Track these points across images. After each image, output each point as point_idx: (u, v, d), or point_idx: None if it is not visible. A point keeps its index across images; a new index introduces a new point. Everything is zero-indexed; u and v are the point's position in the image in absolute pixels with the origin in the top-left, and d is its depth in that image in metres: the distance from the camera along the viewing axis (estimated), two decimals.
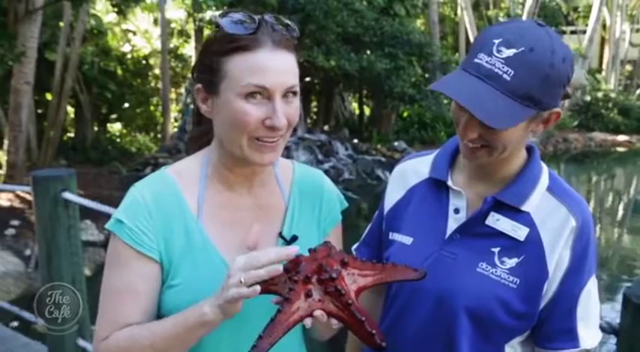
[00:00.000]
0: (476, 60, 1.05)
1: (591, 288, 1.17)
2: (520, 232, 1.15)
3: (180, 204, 1.14)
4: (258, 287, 0.96)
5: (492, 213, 1.17)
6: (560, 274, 1.14)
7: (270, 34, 1.06)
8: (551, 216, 1.16)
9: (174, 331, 1.04)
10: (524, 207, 1.16)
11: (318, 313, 0.98)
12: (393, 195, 1.34)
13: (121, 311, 1.09)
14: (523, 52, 1.02)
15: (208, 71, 1.09)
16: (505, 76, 1.02)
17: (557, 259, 1.14)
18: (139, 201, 1.11)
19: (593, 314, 1.19)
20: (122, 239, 1.10)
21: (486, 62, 1.03)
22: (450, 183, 1.23)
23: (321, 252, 1.02)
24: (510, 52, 1.02)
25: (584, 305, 1.17)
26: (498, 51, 1.03)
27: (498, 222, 1.16)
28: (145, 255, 1.10)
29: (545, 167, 1.23)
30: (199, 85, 1.12)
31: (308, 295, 0.98)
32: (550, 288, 1.15)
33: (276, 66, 1.05)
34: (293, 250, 1.00)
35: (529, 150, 1.23)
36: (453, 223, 1.21)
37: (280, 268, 0.97)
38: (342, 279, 1.00)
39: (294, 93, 1.09)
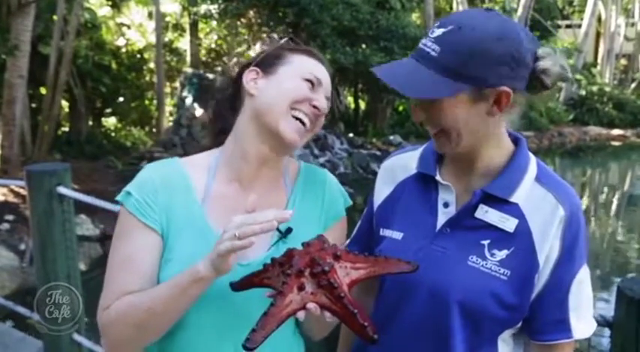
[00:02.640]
0: (420, 44, 1.13)
1: (583, 278, 1.17)
2: (509, 224, 1.15)
3: (187, 188, 1.20)
4: (253, 239, 0.99)
5: (481, 206, 1.17)
6: (550, 264, 1.14)
7: (325, 63, 1.29)
8: (539, 207, 1.15)
9: (170, 292, 1.07)
10: (513, 198, 1.16)
11: (311, 306, 0.99)
12: (381, 191, 1.34)
13: (123, 280, 1.14)
14: (452, 30, 1.08)
15: (273, 58, 1.25)
16: (432, 53, 1.09)
17: (548, 249, 1.14)
18: (147, 179, 1.20)
19: (585, 303, 1.18)
20: (128, 209, 1.17)
21: (422, 43, 1.12)
22: (438, 177, 1.23)
23: (314, 246, 1.03)
24: (440, 32, 1.09)
25: (576, 294, 1.17)
26: (432, 32, 1.11)
27: (487, 213, 1.17)
28: (148, 226, 1.15)
29: (533, 157, 1.22)
30: (255, 68, 1.24)
31: (301, 288, 0.99)
32: (541, 279, 1.15)
33: (327, 80, 1.26)
34: (289, 213, 1.03)
35: (516, 141, 1.23)
36: (442, 217, 1.21)
37: (275, 223, 1.00)
38: (334, 272, 1.01)
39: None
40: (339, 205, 1.33)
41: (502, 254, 1.15)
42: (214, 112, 1.34)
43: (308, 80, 1.21)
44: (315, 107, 1.21)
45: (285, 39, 1.30)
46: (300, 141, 1.21)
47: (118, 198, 1.20)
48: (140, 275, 1.14)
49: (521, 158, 1.20)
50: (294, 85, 1.21)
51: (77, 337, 2.98)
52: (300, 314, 0.99)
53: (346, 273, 1.03)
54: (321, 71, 1.25)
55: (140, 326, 1.10)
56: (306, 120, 1.20)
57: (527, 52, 1.10)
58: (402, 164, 1.33)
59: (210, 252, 1.04)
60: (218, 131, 1.30)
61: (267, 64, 1.24)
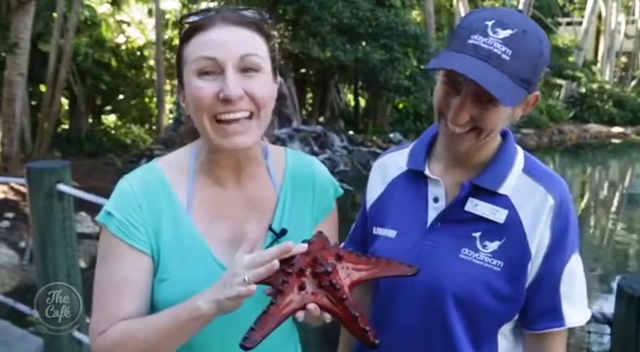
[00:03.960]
0: (471, 41, 1.05)
1: (574, 266, 1.18)
2: (499, 215, 1.16)
3: (170, 197, 1.14)
4: (254, 287, 0.95)
5: (470, 199, 1.18)
6: (542, 253, 1.15)
7: (224, 14, 1.08)
8: (528, 197, 1.16)
9: (167, 326, 1.03)
10: (502, 190, 1.17)
11: (311, 306, 0.97)
12: (374, 190, 1.34)
13: (116, 304, 1.09)
14: (518, 33, 1.04)
15: (178, 63, 1.12)
16: (504, 55, 1.03)
17: (539, 238, 1.15)
18: (128, 193, 1.12)
19: (577, 292, 1.19)
20: (112, 231, 1.10)
21: (484, 43, 1.04)
22: (427, 172, 1.23)
23: (315, 245, 1.02)
24: (507, 33, 1.04)
25: (568, 283, 1.17)
26: (494, 31, 1.04)
27: (477, 207, 1.17)
28: (136, 248, 1.09)
29: (520, 149, 1.24)
30: (178, 83, 1.14)
31: (301, 288, 0.97)
32: (533, 268, 1.16)
33: (225, 38, 1.05)
34: (291, 247, 0.98)
35: (503, 134, 1.24)
36: (433, 212, 1.21)
37: (277, 264, 0.96)
38: (336, 273, 0.99)
39: (256, 68, 1.07)
40: (329, 198, 1.29)
41: (494, 245, 1.16)
42: None
43: (202, 72, 1.04)
44: (224, 100, 1.03)
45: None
46: (246, 140, 1.08)
47: (99, 219, 1.11)
48: (134, 298, 1.09)
49: (509, 150, 1.21)
50: (193, 88, 1.05)
51: (77, 334, 2.98)
52: (300, 315, 0.98)
53: (347, 274, 1.01)
54: (216, 39, 1.04)
55: None
56: (232, 116, 1.05)
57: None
58: (392, 162, 1.33)
59: (214, 291, 0.98)
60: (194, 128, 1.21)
61: (179, 73, 1.12)
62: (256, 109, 1.07)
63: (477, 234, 1.17)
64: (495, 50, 1.03)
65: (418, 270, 1.06)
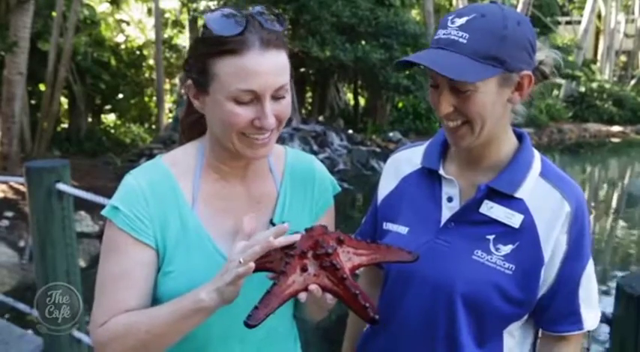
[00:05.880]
0: (436, 37, 1.13)
1: (590, 270, 1.20)
2: (514, 219, 1.16)
3: (175, 193, 1.15)
4: (252, 264, 0.97)
5: (486, 201, 1.18)
6: (558, 259, 1.15)
7: (259, 32, 1.06)
8: (545, 202, 1.16)
9: (170, 318, 1.04)
10: (518, 194, 1.17)
11: (313, 287, 0.99)
12: (386, 185, 1.35)
13: (118, 296, 1.10)
14: (475, 18, 1.09)
15: (198, 72, 1.10)
16: (461, 39, 1.08)
17: (554, 245, 1.15)
18: (135, 188, 1.13)
19: (593, 295, 1.21)
20: (118, 225, 1.11)
21: (443, 34, 1.11)
22: (441, 171, 1.24)
23: (317, 230, 1.05)
24: (463, 20, 1.10)
25: (586, 287, 1.19)
26: (452, 22, 1.11)
27: (492, 209, 1.17)
28: (141, 242, 1.11)
29: (537, 153, 1.24)
30: (190, 82, 1.13)
31: (304, 269, 1.00)
32: (549, 274, 1.16)
33: (265, 69, 1.05)
34: (286, 227, 1.02)
35: (520, 137, 1.24)
36: (446, 212, 1.22)
37: (273, 241, 0.99)
38: (337, 255, 1.02)
39: (285, 90, 1.10)
40: (327, 194, 1.31)
41: (507, 249, 1.16)
42: (187, 106, 1.24)
43: (240, 102, 1.06)
44: (259, 127, 1.08)
45: (209, 17, 1.07)
46: (268, 150, 1.14)
47: (105, 213, 1.12)
48: (137, 291, 1.10)
49: (526, 154, 1.21)
50: (227, 112, 1.07)
51: (77, 334, 2.99)
52: (302, 296, 1.00)
53: (348, 258, 1.04)
54: (255, 70, 1.04)
55: (139, 348, 1.07)
56: (260, 136, 1.10)
57: (535, 40, 1.14)
58: (406, 159, 1.34)
59: (214, 281, 1.01)
60: (191, 125, 1.25)
61: (197, 79, 1.11)
62: (278, 125, 1.12)
63: (491, 237, 1.17)
64: (452, 37, 1.09)
65: (417, 257, 1.07)
